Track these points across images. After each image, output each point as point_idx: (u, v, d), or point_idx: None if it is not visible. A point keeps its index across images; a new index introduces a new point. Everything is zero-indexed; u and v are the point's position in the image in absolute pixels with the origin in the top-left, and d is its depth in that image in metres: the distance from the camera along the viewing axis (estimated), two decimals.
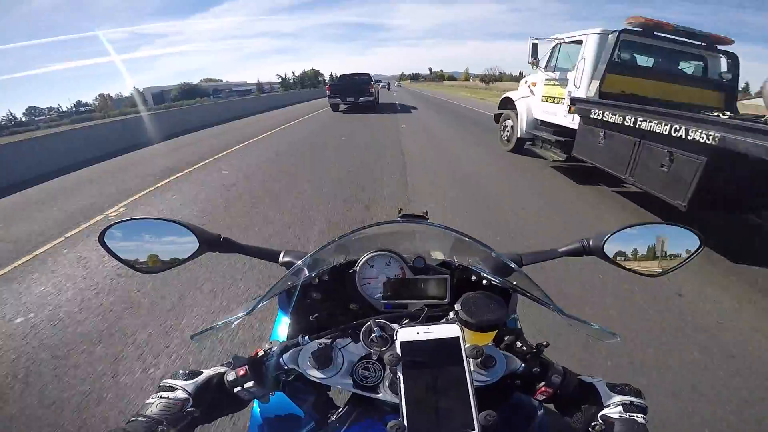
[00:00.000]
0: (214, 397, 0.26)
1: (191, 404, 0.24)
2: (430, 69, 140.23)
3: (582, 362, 0.52)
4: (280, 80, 41.74)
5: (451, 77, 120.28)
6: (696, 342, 0.76)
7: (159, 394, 0.24)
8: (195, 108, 7.84)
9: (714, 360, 0.71)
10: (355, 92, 7.64)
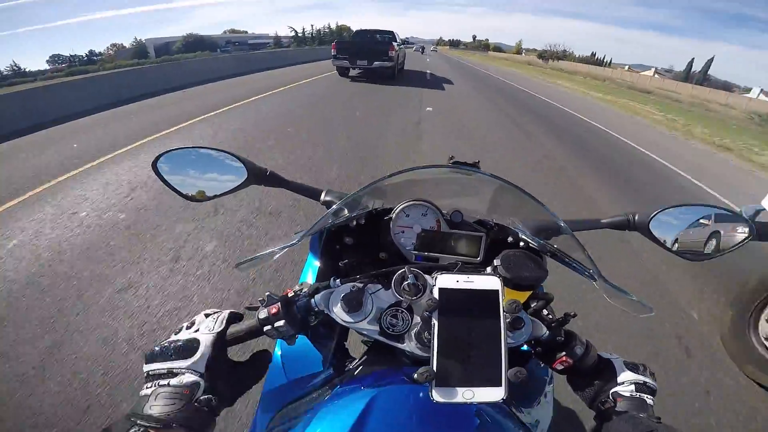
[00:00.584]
0: (227, 367, 0.26)
1: (204, 388, 0.23)
2: (474, 37, 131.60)
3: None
4: (293, 34, 41.12)
5: (498, 48, 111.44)
6: None
7: (156, 382, 0.21)
8: (184, 64, 7.51)
9: None
10: (368, 54, 6.41)
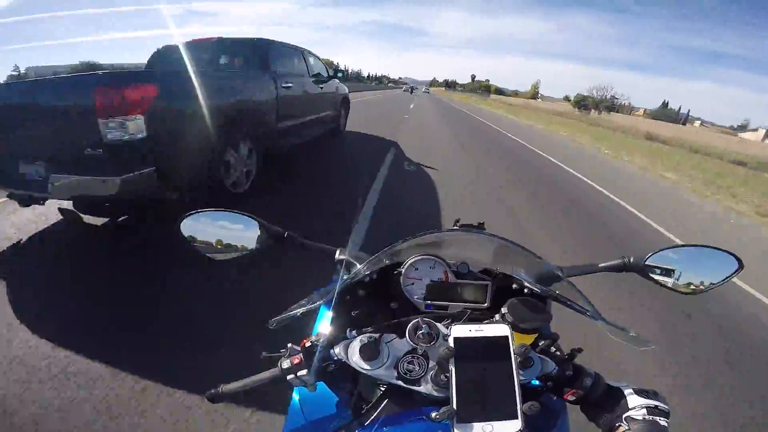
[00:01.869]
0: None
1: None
2: (473, 77, 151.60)
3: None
4: None
5: (499, 91, 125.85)
6: None
7: None
8: None
9: None
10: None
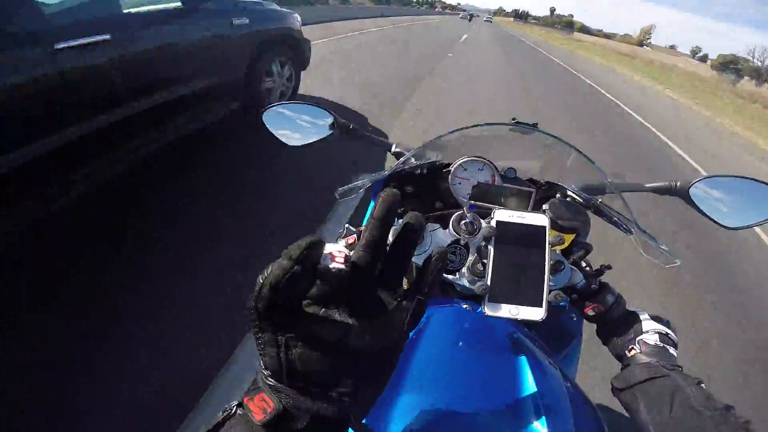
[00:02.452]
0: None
1: None
2: (552, 10, 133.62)
3: None
4: None
5: (585, 29, 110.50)
6: None
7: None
8: None
9: None
10: None
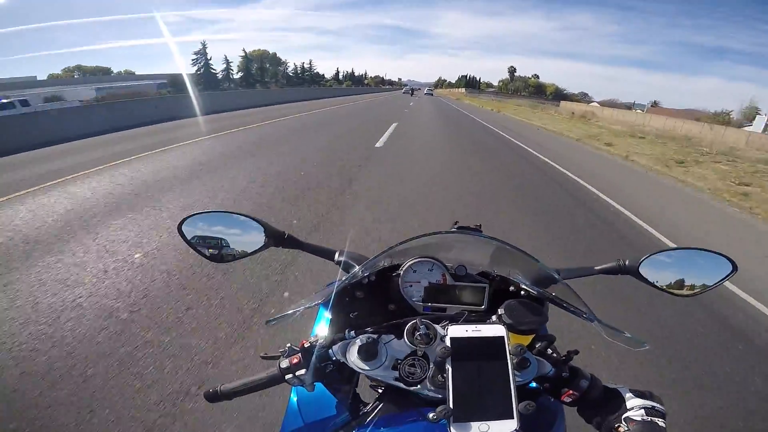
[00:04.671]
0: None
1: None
2: (512, 70, 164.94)
3: None
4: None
5: (561, 95, 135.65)
6: None
7: None
8: None
9: None
10: None
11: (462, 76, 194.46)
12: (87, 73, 79.12)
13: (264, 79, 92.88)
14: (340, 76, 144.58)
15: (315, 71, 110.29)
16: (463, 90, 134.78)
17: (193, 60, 77.10)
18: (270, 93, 35.18)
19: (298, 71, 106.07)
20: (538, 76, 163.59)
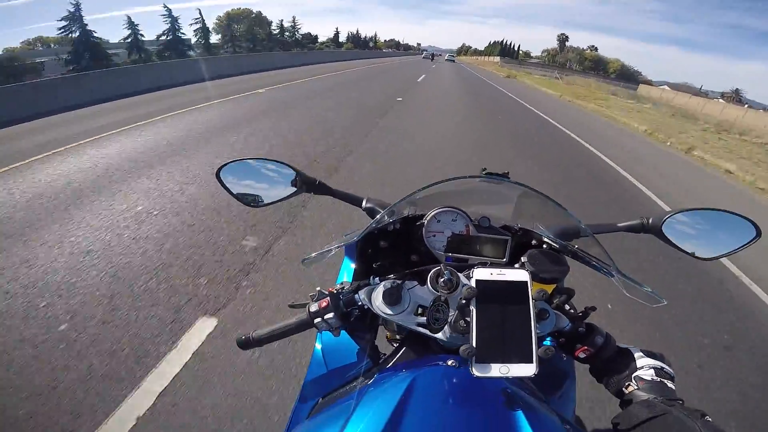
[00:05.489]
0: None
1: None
2: (564, 38, 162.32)
3: None
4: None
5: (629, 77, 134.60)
6: None
7: None
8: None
9: None
10: None
11: (495, 42, 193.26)
12: (50, 44, 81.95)
13: (240, 43, 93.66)
14: (341, 38, 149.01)
15: (300, 31, 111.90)
16: (497, 59, 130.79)
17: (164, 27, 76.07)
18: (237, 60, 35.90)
19: (282, 32, 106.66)
20: (596, 48, 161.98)
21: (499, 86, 36.57)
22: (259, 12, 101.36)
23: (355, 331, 1.23)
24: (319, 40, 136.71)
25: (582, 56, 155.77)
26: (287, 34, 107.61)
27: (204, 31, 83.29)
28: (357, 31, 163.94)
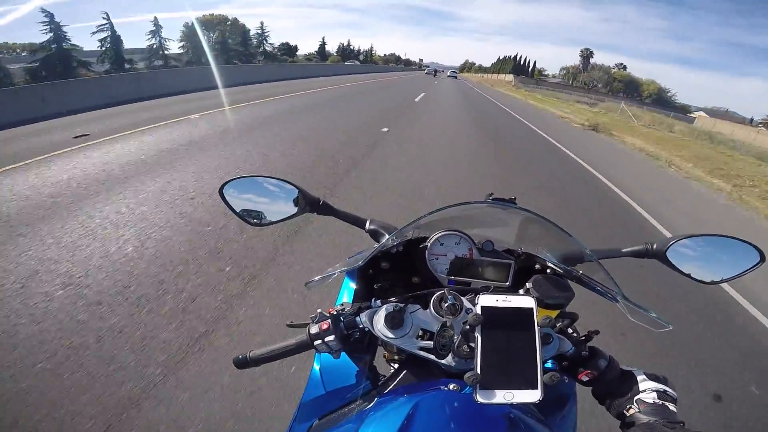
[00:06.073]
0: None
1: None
2: (588, 54, 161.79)
3: None
4: None
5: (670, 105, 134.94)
6: None
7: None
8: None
9: None
10: None
11: (506, 57, 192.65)
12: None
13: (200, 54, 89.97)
14: (329, 50, 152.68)
15: (268, 40, 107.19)
16: (510, 78, 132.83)
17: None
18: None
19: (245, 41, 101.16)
20: (624, 66, 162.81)
21: (540, 129, 25.29)
22: (236, 19, 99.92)
23: (353, 352, 1.45)
24: (306, 52, 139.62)
25: (611, 76, 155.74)
26: (252, 42, 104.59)
27: (159, 40, 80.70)
28: (348, 42, 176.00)
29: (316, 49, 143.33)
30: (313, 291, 5.08)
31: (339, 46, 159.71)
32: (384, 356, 1.70)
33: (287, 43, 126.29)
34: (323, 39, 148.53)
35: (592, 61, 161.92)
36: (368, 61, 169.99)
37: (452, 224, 1.61)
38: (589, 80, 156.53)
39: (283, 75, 46.16)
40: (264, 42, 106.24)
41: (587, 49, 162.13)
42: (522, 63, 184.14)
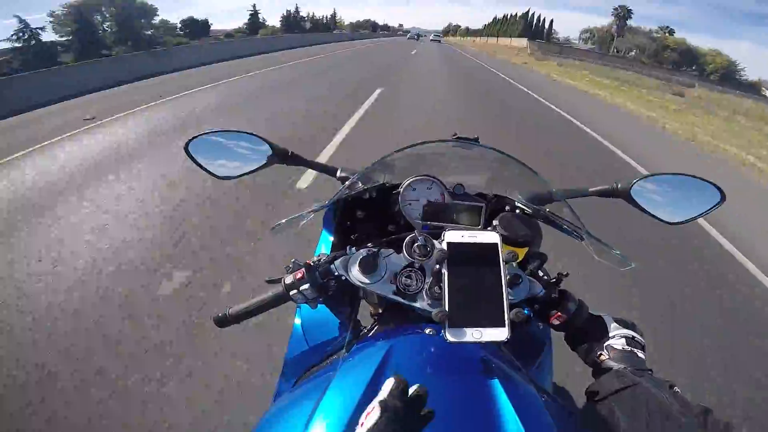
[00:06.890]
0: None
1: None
2: (625, 14, 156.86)
3: None
4: None
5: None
6: None
7: None
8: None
9: None
10: None
11: (510, 16, 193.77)
12: None
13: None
14: (262, 18, 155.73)
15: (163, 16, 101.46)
16: (524, 44, 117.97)
17: None
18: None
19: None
20: (672, 30, 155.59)
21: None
22: None
23: (336, 307, 1.85)
24: (236, 26, 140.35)
25: (658, 42, 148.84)
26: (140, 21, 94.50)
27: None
28: (296, 8, 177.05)
29: (246, 21, 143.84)
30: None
31: (285, 14, 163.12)
32: (370, 312, 2.16)
33: (192, 17, 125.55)
34: (254, 6, 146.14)
35: (629, 23, 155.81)
36: (329, 29, 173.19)
37: (423, 168, 2.08)
38: (628, 47, 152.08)
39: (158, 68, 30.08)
40: (152, 19, 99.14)
41: (623, 7, 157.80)
42: (537, 23, 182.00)
